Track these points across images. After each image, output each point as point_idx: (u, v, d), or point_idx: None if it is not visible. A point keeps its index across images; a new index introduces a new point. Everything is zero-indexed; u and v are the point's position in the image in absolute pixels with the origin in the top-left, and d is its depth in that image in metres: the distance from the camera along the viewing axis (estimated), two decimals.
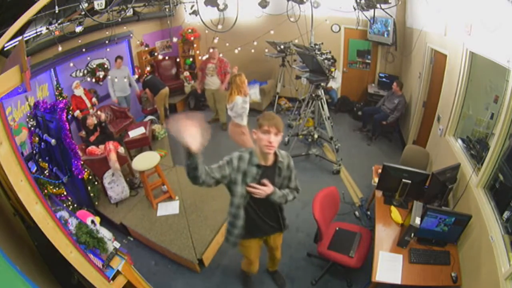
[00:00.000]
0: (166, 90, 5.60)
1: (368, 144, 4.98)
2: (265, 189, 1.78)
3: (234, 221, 1.92)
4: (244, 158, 1.77)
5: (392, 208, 2.67)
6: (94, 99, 5.08)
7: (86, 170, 3.44)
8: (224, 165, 1.74)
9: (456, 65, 2.90)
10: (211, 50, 5.24)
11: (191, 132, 1.39)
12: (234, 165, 1.76)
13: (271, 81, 6.42)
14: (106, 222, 3.41)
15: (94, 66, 5.34)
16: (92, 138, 4.03)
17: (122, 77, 5.42)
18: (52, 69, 4.60)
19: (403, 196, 2.71)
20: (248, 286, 2.72)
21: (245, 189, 1.79)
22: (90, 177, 3.55)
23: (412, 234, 2.21)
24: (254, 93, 5.78)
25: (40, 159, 3.42)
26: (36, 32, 3.66)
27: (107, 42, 5.28)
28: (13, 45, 2.79)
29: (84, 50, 5.00)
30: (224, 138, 4.38)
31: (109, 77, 5.33)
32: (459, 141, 2.89)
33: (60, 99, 4.49)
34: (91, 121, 4.01)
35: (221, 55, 5.40)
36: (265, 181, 1.79)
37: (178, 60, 6.97)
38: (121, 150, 4.05)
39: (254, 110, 4.71)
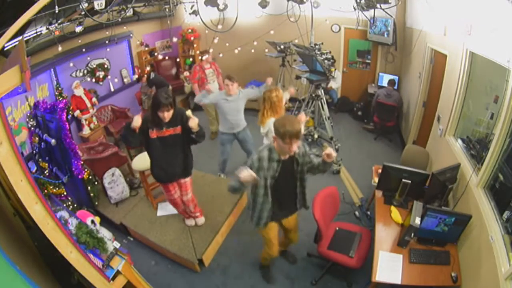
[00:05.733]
0: (170, 88, 5.60)
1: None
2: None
3: (262, 207, 2.17)
4: (263, 157, 2.00)
5: (392, 208, 2.67)
6: (94, 99, 5.07)
7: (86, 170, 3.44)
8: None
9: (456, 65, 2.90)
10: (207, 56, 5.01)
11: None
12: (255, 167, 1.98)
13: None
14: (106, 222, 3.40)
15: (94, 66, 5.33)
16: None
17: (235, 110, 3.53)
18: (52, 69, 4.59)
19: (403, 196, 2.71)
20: (268, 278, 2.80)
21: (268, 181, 2.05)
22: (90, 177, 3.55)
23: (412, 234, 2.21)
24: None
25: (40, 159, 3.42)
26: (36, 32, 3.65)
27: (107, 42, 5.28)
28: (13, 45, 2.79)
29: (84, 50, 5.00)
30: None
31: (223, 109, 3.51)
32: (459, 141, 2.88)
33: (60, 99, 4.48)
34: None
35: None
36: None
37: (178, 60, 6.97)
38: None
39: (254, 110, 4.69)
